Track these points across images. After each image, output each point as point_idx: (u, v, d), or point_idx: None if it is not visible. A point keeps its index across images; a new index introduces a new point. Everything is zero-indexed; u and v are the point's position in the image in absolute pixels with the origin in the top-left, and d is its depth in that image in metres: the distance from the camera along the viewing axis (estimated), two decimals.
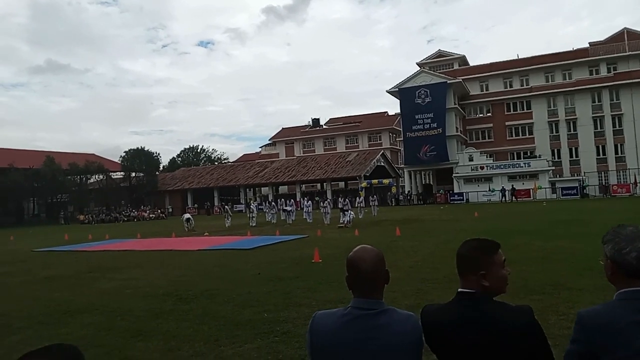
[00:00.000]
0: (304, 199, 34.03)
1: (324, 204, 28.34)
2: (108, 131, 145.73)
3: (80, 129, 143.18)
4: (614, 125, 51.45)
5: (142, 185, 63.67)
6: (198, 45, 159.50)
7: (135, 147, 65.51)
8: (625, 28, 54.27)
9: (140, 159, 63.75)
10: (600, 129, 52.05)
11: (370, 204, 34.14)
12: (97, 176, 62.45)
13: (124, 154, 64.89)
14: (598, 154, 51.81)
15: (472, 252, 2.05)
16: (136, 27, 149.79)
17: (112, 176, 64.04)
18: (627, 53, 52.56)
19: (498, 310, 1.96)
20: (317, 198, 47.18)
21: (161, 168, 74.66)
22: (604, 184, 48.45)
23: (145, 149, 65.66)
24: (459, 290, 2.07)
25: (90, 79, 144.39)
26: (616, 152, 51.09)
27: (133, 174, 64.28)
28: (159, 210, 57.93)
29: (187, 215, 29.57)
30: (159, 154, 68.15)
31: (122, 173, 64.82)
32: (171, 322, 6.96)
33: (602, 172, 50.69)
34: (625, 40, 53.28)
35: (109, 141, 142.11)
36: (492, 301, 2.00)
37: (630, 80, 50.22)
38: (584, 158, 51.97)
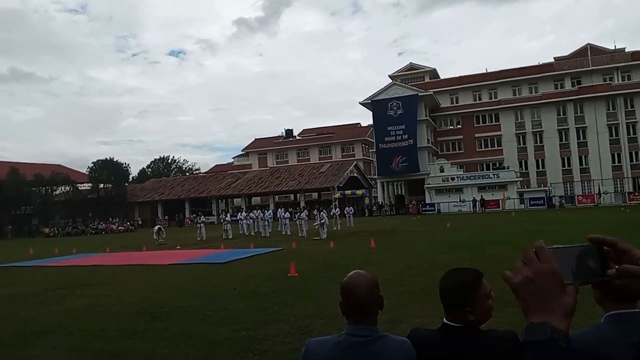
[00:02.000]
0: (280, 210, 33.74)
1: (301, 215, 28.18)
2: (75, 141, 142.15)
3: (46, 139, 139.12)
4: (578, 138, 53.23)
5: (111, 196, 62.08)
6: (169, 54, 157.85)
7: (103, 158, 63.91)
8: (588, 44, 56.48)
9: (108, 169, 62.21)
10: (565, 141, 53.76)
11: (346, 214, 34.30)
12: (63, 188, 60.65)
13: (92, 164, 63.17)
14: (563, 165, 53.43)
15: (456, 289, 1.99)
16: (105, 36, 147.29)
17: (79, 187, 62.27)
18: (590, 68, 54.64)
19: (486, 340, 1.96)
20: (290, 209, 46.96)
21: (130, 179, 73.03)
22: (569, 194, 49.92)
23: (114, 159, 64.16)
24: (445, 322, 2.05)
25: (57, 88, 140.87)
26: (580, 164, 52.81)
27: (101, 185, 62.64)
28: (128, 223, 56.63)
29: (157, 227, 28.96)
30: (128, 164, 66.64)
31: (89, 184, 63.07)
32: (146, 342, 6.75)
33: (568, 183, 52.27)
34: (588, 55, 55.40)
35: (76, 152, 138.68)
36: (479, 332, 1.99)
37: (594, 95, 52.14)
38: (550, 169, 53.50)
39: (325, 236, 23.87)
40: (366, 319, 2.02)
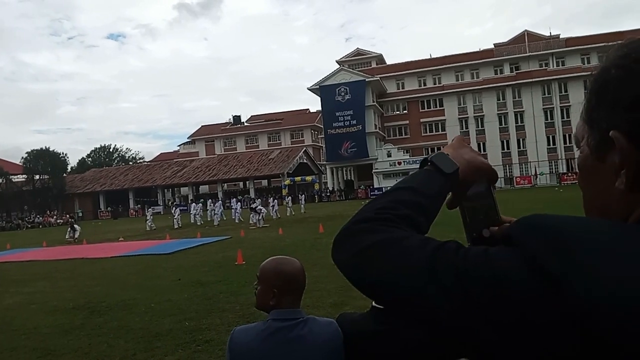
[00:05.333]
0: (233, 200, 33.75)
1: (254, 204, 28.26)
2: (7, 130, 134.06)
3: None
4: (516, 122, 55.65)
5: (48, 188, 59.16)
6: (108, 38, 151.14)
7: (39, 148, 61.04)
8: (526, 30, 58.87)
9: (44, 160, 59.32)
10: (505, 124, 56.08)
11: (299, 201, 34.99)
12: None
13: (26, 154, 60.16)
14: (503, 148, 55.76)
15: None
16: (38, 18, 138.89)
17: (13, 179, 58.93)
18: (528, 54, 57.04)
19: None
20: (240, 197, 46.56)
21: (69, 169, 69.94)
22: (508, 176, 52.26)
23: (51, 149, 61.49)
24: (374, 306, 2.07)
25: None
26: (518, 147, 55.31)
27: (37, 177, 59.61)
28: (68, 215, 54.18)
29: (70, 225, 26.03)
30: (66, 154, 64.15)
31: (24, 176, 59.88)
32: (83, 338, 6.49)
33: (507, 165, 54.68)
34: (525, 41, 57.75)
35: (8, 141, 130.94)
36: None
37: (531, 80, 54.56)
38: (491, 152, 55.72)
39: (261, 224, 23.99)
40: (291, 302, 2.01)
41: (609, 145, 0.60)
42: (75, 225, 25.67)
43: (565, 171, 51.81)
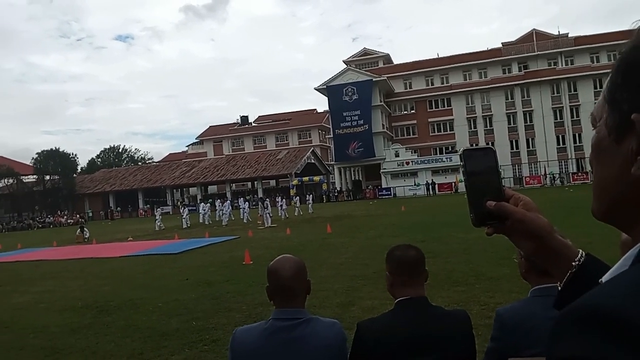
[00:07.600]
0: (240, 200, 33.98)
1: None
2: (17, 131, 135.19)
3: None
4: (525, 121, 55.16)
5: (58, 188, 59.66)
6: (116, 39, 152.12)
7: (48, 148, 61.56)
8: (534, 29, 58.31)
9: (54, 160, 59.80)
10: (513, 124, 55.61)
11: (307, 201, 35.07)
12: (6, 180, 57.70)
13: (37, 155, 60.69)
14: (512, 148, 55.31)
15: (421, 257, 2.07)
16: (47, 20, 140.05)
17: (24, 180, 59.49)
18: (536, 53, 56.51)
19: (439, 315, 2.06)
20: (248, 197, 46.71)
21: (79, 170, 70.51)
22: (517, 176, 51.87)
23: (60, 149, 61.86)
24: (401, 299, 2.03)
25: None
26: (528, 146, 54.84)
27: (47, 177, 60.12)
28: (78, 215, 54.68)
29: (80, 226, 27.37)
30: (75, 155, 64.82)
31: (34, 176, 60.43)
32: (91, 337, 6.52)
33: (516, 165, 54.24)
34: (534, 40, 57.24)
35: (18, 142, 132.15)
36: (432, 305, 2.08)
37: (539, 79, 54.04)
38: (499, 152, 54.12)
39: (268, 223, 24.09)
40: (293, 302, 1.98)
41: (628, 129, 0.58)
42: (85, 228, 26.21)
43: (575, 171, 51.32)
